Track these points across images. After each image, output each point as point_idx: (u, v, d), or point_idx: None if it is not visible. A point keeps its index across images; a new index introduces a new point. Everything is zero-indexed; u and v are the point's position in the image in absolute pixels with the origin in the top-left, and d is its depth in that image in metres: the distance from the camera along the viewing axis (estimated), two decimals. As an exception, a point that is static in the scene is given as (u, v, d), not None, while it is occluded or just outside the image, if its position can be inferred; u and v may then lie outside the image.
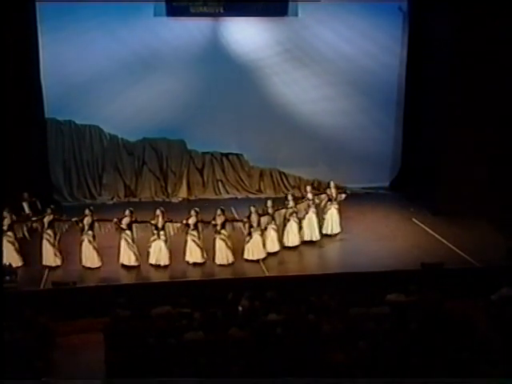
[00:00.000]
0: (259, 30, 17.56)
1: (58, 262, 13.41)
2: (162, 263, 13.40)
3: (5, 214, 13.26)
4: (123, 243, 13.37)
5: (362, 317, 10.64)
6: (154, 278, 13.17)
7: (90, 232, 13.30)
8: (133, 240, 13.39)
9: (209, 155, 18.33)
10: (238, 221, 14.06)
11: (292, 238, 14.39)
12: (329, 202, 15.03)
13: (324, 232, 14.93)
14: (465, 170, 16.17)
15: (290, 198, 14.60)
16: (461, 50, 15.79)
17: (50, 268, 13.29)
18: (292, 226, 14.40)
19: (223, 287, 12.08)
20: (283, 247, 14.28)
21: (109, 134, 17.75)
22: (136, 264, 13.41)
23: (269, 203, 14.23)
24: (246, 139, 18.17)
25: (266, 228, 13.93)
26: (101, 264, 13.40)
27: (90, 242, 13.28)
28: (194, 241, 13.40)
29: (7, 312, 9.85)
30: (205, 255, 13.49)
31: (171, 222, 13.53)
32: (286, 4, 17.15)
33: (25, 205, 14.34)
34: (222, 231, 13.51)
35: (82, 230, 13.32)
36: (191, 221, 13.44)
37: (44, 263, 13.34)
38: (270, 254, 13.94)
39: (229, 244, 13.55)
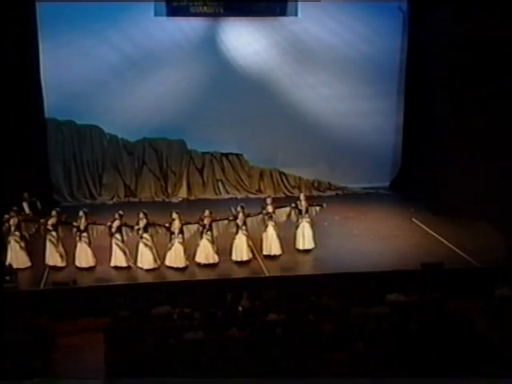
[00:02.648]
0: (259, 30, 17.58)
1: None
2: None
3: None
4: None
5: (361, 317, 10.64)
6: (154, 278, 13.16)
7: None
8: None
9: (209, 155, 18.34)
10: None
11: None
12: (300, 216, 14.13)
13: (297, 247, 14.22)
14: (465, 170, 16.16)
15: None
16: (461, 49, 15.78)
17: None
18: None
19: (223, 287, 12.08)
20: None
21: (109, 134, 17.76)
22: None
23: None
24: (246, 139, 18.18)
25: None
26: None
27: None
28: (117, 244, 13.27)
29: (7, 312, 9.87)
30: (129, 259, 13.33)
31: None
32: (285, 4, 17.17)
33: (25, 205, 14.34)
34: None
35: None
36: (115, 224, 13.30)
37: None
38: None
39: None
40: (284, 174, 18.66)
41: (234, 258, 13.65)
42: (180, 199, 17.90)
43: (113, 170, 18.00)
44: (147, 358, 9.42)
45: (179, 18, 17.12)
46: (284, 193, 18.48)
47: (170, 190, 18.14)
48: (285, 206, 14.17)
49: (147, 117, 17.41)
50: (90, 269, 13.34)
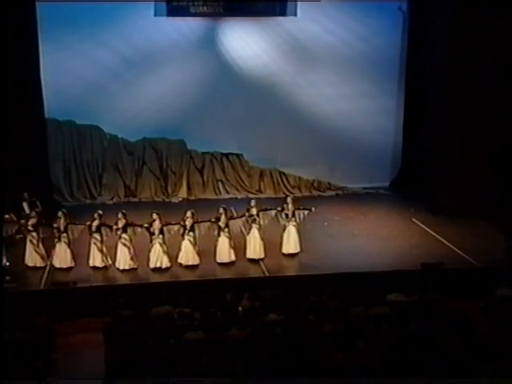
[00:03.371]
0: (259, 30, 17.58)
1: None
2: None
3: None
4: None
5: (361, 317, 10.65)
6: (154, 278, 13.15)
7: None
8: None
9: (209, 155, 18.34)
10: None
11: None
12: (286, 219, 13.90)
13: (282, 251, 14.00)
14: (465, 170, 16.16)
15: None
16: (461, 49, 15.78)
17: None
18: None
19: (223, 287, 12.08)
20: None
21: (109, 134, 17.76)
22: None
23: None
24: (246, 139, 18.17)
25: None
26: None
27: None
28: (95, 244, 13.22)
29: (7, 312, 9.87)
30: (107, 260, 13.28)
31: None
32: (285, 4, 17.18)
33: (25, 205, 14.34)
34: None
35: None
36: (94, 224, 13.25)
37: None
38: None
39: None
40: (284, 174, 18.65)
41: (217, 259, 13.52)
42: (180, 199, 17.89)
43: (113, 170, 18.00)
44: (147, 358, 9.42)
45: (179, 18, 17.12)
46: (284, 193, 18.43)
47: (169, 190, 18.13)
48: (271, 209, 13.98)
49: (147, 117, 17.42)
50: (68, 269, 13.26)
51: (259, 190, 18.50)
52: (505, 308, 11.50)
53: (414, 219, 16.30)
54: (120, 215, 13.31)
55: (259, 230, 13.72)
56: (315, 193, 18.56)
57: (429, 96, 17.07)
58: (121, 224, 13.24)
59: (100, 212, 13.49)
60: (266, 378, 8.99)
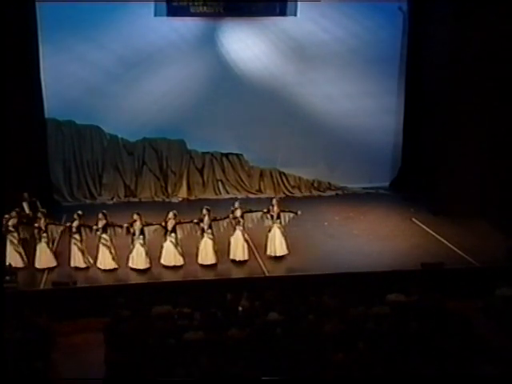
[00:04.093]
0: (259, 30, 17.58)
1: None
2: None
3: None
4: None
5: (361, 317, 10.65)
6: (154, 278, 13.16)
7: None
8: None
9: (209, 155, 18.33)
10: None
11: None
12: (271, 221, 13.72)
13: (268, 253, 13.81)
14: (465, 170, 16.16)
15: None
16: (461, 49, 15.78)
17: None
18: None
19: (223, 287, 12.08)
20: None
21: (109, 134, 17.75)
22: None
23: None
24: (246, 139, 18.17)
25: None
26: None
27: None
28: (75, 244, 13.20)
29: (7, 312, 9.87)
30: (88, 260, 13.27)
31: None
32: (285, 4, 17.18)
33: (25, 205, 14.34)
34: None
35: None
36: (74, 224, 13.22)
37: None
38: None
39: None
40: (284, 174, 18.65)
41: (199, 261, 13.43)
42: (180, 199, 17.88)
43: (113, 170, 17.99)
44: (147, 358, 9.43)
45: (179, 19, 17.12)
46: (284, 193, 18.48)
47: (169, 190, 18.13)
48: (256, 211, 13.85)
49: (147, 117, 17.41)
50: (50, 269, 13.25)
51: (259, 190, 18.50)
52: (505, 308, 11.51)
53: (413, 219, 16.30)
54: (100, 215, 13.28)
55: (243, 231, 13.58)
56: (315, 193, 18.55)
57: (429, 96, 17.07)
58: (101, 224, 13.20)
59: (80, 212, 13.47)
60: (266, 378, 8.99)
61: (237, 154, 18.42)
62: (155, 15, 16.89)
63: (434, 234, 15.33)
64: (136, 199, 17.85)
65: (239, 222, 13.58)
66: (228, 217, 13.63)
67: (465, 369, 9.18)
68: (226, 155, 18.39)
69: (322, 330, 10.16)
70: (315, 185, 18.74)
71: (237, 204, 13.81)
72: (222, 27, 17.50)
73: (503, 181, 16.02)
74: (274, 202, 13.91)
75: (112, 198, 17.84)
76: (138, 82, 17.25)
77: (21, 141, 15.91)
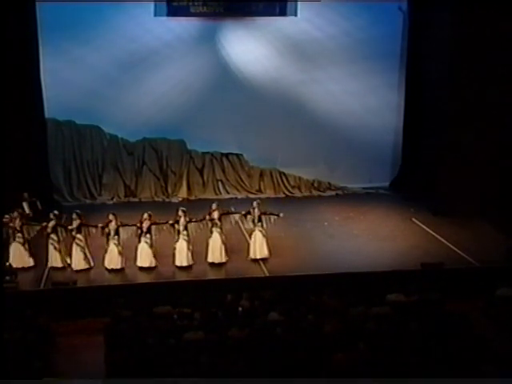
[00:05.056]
0: (258, 29, 17.58)
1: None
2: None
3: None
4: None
5: (361, 317, 10.65)
6: (154, 278, 13.16)
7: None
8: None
9: (209, 155, 18.34)
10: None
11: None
12: (252, 224, 13.64)
13: (249, 256, 13.68)
14: (465, 170, 16.16)
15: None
16: (461, 49, 15.79)
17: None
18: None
19: (223, 287, 12.08)
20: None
21: (109, 134, 17.77)
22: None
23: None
24: (246, 139, 18.18)
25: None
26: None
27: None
28: (52, 244, 13.19)
29: (7, 312, 9.87)
30: (66, 260, 13.24)
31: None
32: (285, 4, 17.18)
33: (25, 205, 14.35)
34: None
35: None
36: (50, 224, 13.18)
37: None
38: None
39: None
40: (284, 174, 18.66)
41: (176, 262, 13.36)
42: (180, 199, 17.89)
43: (113, 170, 18.00)
44: (147, 358, 9.43)
45: (179, 19, 17.13)
46: (284, 193, 18.49)
47: (169, 190, 18.14)
48: (234, 213, 13.76)
49: (147, 117, 17.42)
50: (24, 270, 13.20)
51: (259, 190, 18.51)
52: (505, 308, 11.51)
53: (414, 219, 16.30)
54: (74, 215, 13.28)
55: (220, 233, 13.46)
56: (315, 193, 18.57)
57: (429, 96, 17.07)
58: (75, 224, 13.18)
59: (56, 212, 13.45)
60: (266, 378, 8.99)
61: (237, 154, 18.43)
62: (155, 15, 16.91)
63: (433, 234, 15.33)
64: (136, 199, 17.86)
65: (216, 223, 13.45)
66: (204, 218, 13.49)
67: (465, 369, 9.17)
68: (226, 155, 18.40)
69: (322, 329, 10.16)
70: (315, 185, 18.75)
71: (214, 206, 13.64)
72: (222, 27, 17.51)
73: (503, 181, 16.03)
74: (255, 204, 13.73)
75: (112, 198, 17.85)
76: (138, 82, 17.26)
77: (21, 141, 15.91)
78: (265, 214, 13.74)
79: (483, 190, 16.03)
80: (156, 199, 17.89)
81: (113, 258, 13.18)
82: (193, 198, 18.05)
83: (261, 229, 13.64)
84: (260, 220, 13.63)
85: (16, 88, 15.69)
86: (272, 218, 13.77)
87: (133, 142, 17.94)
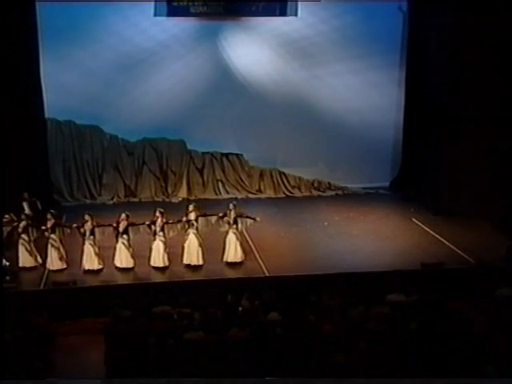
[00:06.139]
0: (258, 29, 17.57)
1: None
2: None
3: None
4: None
5: (361, 317, 10.65)
6: (154, 278, 13.15)
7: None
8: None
9: (209, 155, 18.33)
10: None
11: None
12: (227, 226, 13.41)
13: (224, 259, 13.47)
14: (465, 170, 16.15)
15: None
16: (461, 49, 15.78)
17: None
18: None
19: (223, 287, 12.08)
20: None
21: (109, 134, 17.74)
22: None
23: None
24: (246, 139, 18.18)
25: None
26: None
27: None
28: (23, 245, 13.12)
29: (7, 312, 9.88)
30: (36, 260, 13.19)
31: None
32: (285, 4, 17.17)
33: (25, 205, 14.34)
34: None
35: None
36: (21, 225, 13.06)
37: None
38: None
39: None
40: (284, 174, 18.65)
41: (152, 263, 13.28)
42: (180, 199, 17.87)
43: (113, 170, 17.99)
44: (147, 358, 9.43)
45: (179, 19, 17.11)
46: (284, 193, 18.48)
47: (169, 190, 18.13)
48: (211, 215, 13.55)
49: (147, 117, 17.41)
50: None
51: (259, 190, 18.50)
52: (505, 308, 11.50)
53: (413, 219, 16.30)
54: (49, 215, 13.20)
55: (197, 235, 13.33)
56: (315, 193, 18.55)
57: (429, 96, 17.06)
58: (49, 224, 13.13)
59: (27, 212, 13.40)
60: (266, 378, 9.00)
61: (237, 154, 18.42)
62: (155, 15, 16.88)
63: (433, 233, 15.32)
64: (136, 199, 17.84)
65: (193, 225, 13.34)
66: (181, 220, 13.40)
67: (465, 369, 9.18)
68: (226, 155, 18.39)
69: (322, 329, 10.16)
70: (315, 185, 18.74)
71: (191, 207, 13.54)
72: (222, 27, 17.49)
73: (503, 181, 16.02)
74: (231, 206, 13.54)
75: (112, 198, 17.83)
76: (138, 82, 17.24)
77: (21, 141, 15.90)
78: (241, 216, 13.54)
79: (483, 190, 16.02)
80: (156, 199, 17.86)
81: (88, 259, 13.11)
82: (193, 198, 18.01)
83: (235, 231, 13.45)
84: (235, 222, 13.43)
85: (16, 88, 15.67)
86: (248, 221, 13.59)
87: (133, 142, 17.93)
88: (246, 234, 14.33)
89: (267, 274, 13.23)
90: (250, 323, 10.38)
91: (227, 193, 18.30)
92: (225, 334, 10.05)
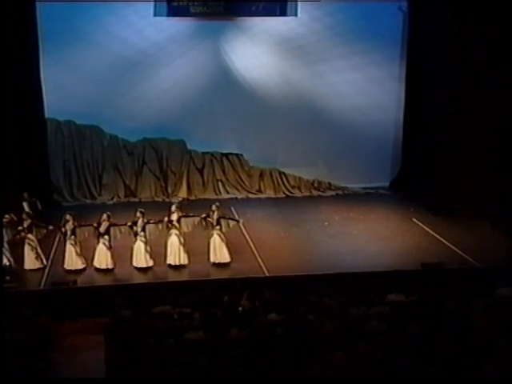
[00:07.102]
0: (258, 29, 17.59)
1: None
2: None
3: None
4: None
5: (361, 317, 10.64)
6: (154, 278, 13.16)
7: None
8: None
9: (209, 155, 18.35)
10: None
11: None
12: (210, 227, 13.39)
13: (210, 260, 13.45)
14: (465, 170, 16.16)
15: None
16: (461, 50, 15.79)
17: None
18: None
19: (223, 287, 12.07)
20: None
21: (109, 134, 17.77)
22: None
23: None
24: (246, 139, 18.20)
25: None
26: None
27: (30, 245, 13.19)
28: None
29: (7, 312, 9.87)
30: (9, 259, 13.08)
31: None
32: (285, 4, 17.18)
33: (25, 205, 14.34)
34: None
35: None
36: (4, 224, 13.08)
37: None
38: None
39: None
40: (284, 174, 18.66)
41: (133, 263, 13.26)
42: (180, 199, 17.88)
43: (113, 170, 18.01)
44: (147, 358, 9.42)
45: (179, 19, 17.13)
46: (284, 193, 18.49)
47: (169, 190, 18.14)
48: (193, 216, 13.53)
49: (147, 117, 17.43)
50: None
51: (259, 190, 18.52)
52: (505, 308, 11.49)
53: (414, 219, 16.30)
54: (24, 216, 13.22)
55: (179, 236, 13.28)
56: (315, 193, 18.57)
57: (429, 96, 17.07)
58: (26, 224, 13.12)
59: (7, 216, 13.30)
60: (266, 378, 8.99)
61: (237, 154, 18.43)
62: (155, 15, 16.91)
63: (434, 234, 15.33)
64: (136, 199, 17.86)
65: (175, 226, 13.30)
66: (163, 220, 13.35)
67: (465, 369, 9.17)
68: (226, 155, 18.40)
69: (322, 329, 10.16)
70: (315, 185, 18.75)
71: (173, 208, 13.49)
72: (222, 27, 17.50)
73: (503, 181, 16.02)
74: (214, 207, 13.45)
75: (112, 198, 17.85)
76: (138, 82, 17.28)
77: (21, 141, 15.91)
78: (223, 217, 13.51)
79: (483, 190, 16.02)
80: (156, 199, 17.89)
81: (70, 259, 13.11)
82: (193, 197, 18.05)
83: (219, 232, 13.39)
84: (218, 223, 13.39)
85: (16, 88, 15.68)
86: (231, 222, 13.59)
87: (133, 142, 17.95)
88: (246, 233, 14.34)
89: (267, 274, 13.25)
90: (249, 323, 10.37)
91: (227, 193, 18.32)
92: (225, 334, 10.05)
